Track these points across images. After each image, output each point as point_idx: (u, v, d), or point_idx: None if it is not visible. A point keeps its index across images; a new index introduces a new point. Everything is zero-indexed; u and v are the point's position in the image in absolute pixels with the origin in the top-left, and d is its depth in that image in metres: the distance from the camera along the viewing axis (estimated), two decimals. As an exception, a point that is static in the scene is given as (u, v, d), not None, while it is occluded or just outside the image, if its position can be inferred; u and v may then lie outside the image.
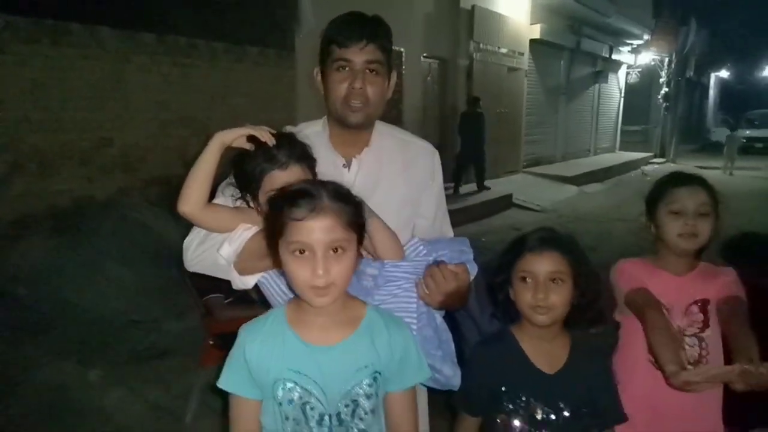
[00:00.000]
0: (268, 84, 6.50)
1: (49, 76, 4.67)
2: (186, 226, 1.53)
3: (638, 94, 21.47)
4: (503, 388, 1.47)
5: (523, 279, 1.48)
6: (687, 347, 1.70)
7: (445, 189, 1.84)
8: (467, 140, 9.75)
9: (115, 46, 5.14)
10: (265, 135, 1.40)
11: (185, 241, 1.51)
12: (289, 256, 1.15)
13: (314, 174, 1.44)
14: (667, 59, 19.94)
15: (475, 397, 1.52)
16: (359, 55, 1.50)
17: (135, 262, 4.76)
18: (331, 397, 1.19)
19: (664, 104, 20.36)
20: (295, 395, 1.19)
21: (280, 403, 1.19)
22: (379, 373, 1.23)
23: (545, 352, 1.51)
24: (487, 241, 7.18)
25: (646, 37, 19.08)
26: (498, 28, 11.37)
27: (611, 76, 18.98)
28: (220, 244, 1.43)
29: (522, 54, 12.58)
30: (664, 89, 20.28)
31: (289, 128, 1.56)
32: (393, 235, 1.45)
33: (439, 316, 1.52)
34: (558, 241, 1.50)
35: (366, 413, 1.22)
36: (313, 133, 1.62)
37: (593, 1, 13.77)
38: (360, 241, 1.21)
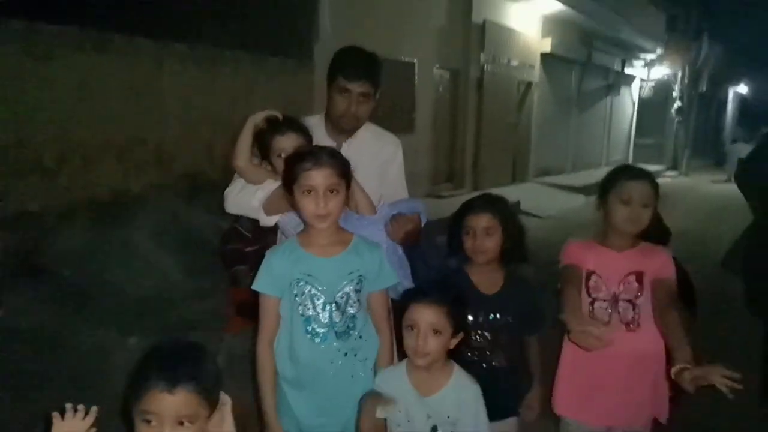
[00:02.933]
0: (287, 90, 6.98)
1: (93, 79, 5.18)
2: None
3: (653, 108, 21.73)
4: None
5: (467, 232, 2.03)
6: (621, 310, 2.04)
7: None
8: None
9: (151, 54, 5.66)
10: (275, 114, 2.07)
11: (225, 191, 2.13)
12: (301, 195, 1.71)
13: (311, 142, 2.07)
14: (680, 73, 20.26)
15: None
16: (357, 87, 2.16)
17: (165, 249, 5.28)
18: (331, 291, 1.75)
19: (677, 118, 20.67)
20: (306, 290, 1.75)
21: (296, 295, 1.75)
22: (363, 277, 1.79)
23: (487, 281, 2.05)
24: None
25: (659, 51, 19.42)
26: (509, 42, 11.82)
27: (624, 89, 19.31)
28: (254, 191, 2.04)
29: (533, 66, 12.99)
30: (677, 103, 20.59)
31: None
32: (368, 197, 2.07)
33: (400, 249, 2.12)
34: (491, 204, 2.06)
35: (355, 302, 1.81)
36: (313, 123, 2.25)
37: (603, 15, 14.14)
38: (348, 186, 1.77)
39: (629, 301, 2.04)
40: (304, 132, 2.09)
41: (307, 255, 1.77)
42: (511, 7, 11.83)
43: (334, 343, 1.78)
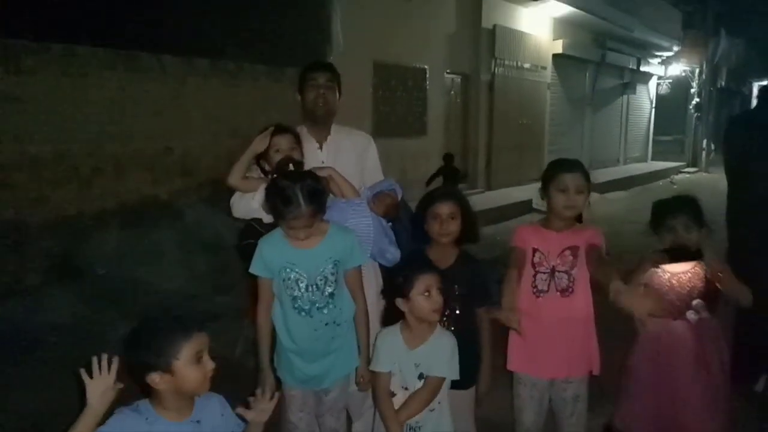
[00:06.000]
0: (303, 100, 7.40)
1: (123, 95, 5.68)
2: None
3: (672, 105, 21.70)
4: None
5: (434, 218, 2.41)
6: (557, 280, 2.40)
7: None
8: None
9: (176, 71, 6.14)
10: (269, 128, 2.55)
11: (231, 201, 2.62)
12: (285, 227, 2.16)
13: (299, 138, 2.61)
14: (698, 70, 20.22)
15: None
16: (322, 77, 2.71)
17: (190, 249, 5.75)
18: (311, 276, 2.18)
19: (696, 114, 20.63)
20: (291, 275, 2.18)
21: (283, 279, 2.18)
22: (338, 261, 2.20)
23: (443, 258, 2.43)
24: (501, 240, 7.92)
25: (675, 48, 19.42)
26: (519, 45, 12.11)
27: (640, 87, 19.32)
28: (252, 196, 2.47)
29: (545, 68, 13.26)
30: (696, 99, 20.56)
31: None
32: (349, 183, 2.50)
33: (384, 221, 2.52)
34: (453, 194, 2.50)
35: (332, 282, 2.23)
36: (298, 131, 2.69)
37: (616, 16, 14.27)
38: (322, 213, 2.17)
39: (565, 271, 2.40)
40: (293, 132, 2.58)
41: (290, 247, 2.19)
42: (521, 11, 12.13)
43: (316, 316, 2.23)
